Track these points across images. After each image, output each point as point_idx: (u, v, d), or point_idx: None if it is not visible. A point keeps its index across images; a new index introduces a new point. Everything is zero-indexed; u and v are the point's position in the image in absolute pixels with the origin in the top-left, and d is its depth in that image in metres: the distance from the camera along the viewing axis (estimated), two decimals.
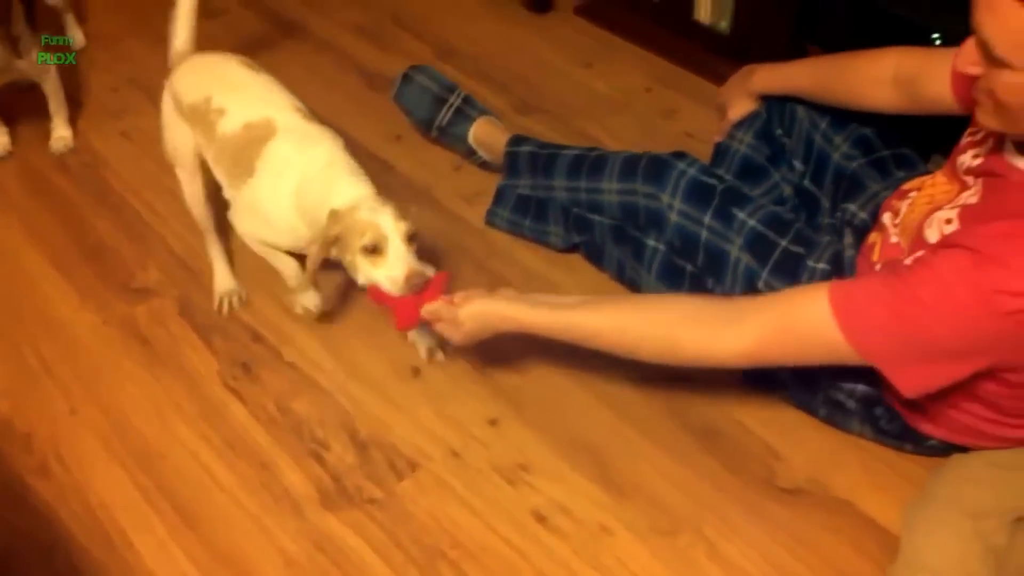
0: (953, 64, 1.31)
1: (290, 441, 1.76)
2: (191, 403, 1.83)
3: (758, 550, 1.57)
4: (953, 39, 1.39)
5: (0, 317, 2.00)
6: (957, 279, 1.26)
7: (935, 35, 2.02)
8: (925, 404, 1.50)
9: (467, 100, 2.27)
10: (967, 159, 1.48)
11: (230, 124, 1.76)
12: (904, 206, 1.58)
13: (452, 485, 1.68)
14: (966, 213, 1.40)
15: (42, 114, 2.40)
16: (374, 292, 1.61)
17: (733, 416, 1.76)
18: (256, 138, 1.73)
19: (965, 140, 1.51)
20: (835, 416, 1.70)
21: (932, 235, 1.42)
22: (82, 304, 2.02)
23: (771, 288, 1.66)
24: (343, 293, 1.98)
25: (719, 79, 2.14)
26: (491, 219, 2.15)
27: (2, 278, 2.09)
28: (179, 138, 1.89)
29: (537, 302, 1.57)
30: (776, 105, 1.93)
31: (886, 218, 1.62)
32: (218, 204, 1.93)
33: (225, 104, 1.78)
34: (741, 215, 1.71)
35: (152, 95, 2.51)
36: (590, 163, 1.92)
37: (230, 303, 1.99)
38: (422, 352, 1.88)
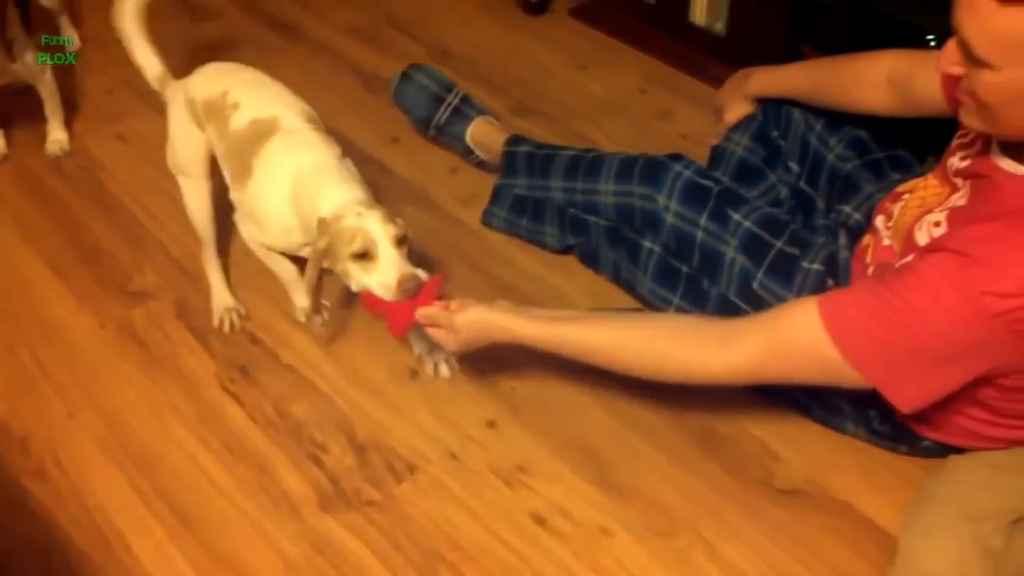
0: (936, 65, 1.32)
1: (288, 444, 1.76)
2: (189, 406, 1.82)
3: (756, 551, 1.58)
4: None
5: None
6: (944, 283, 1.26)
7: (930, 37, 2.03)
8: None
9: (465, 99, 2.27)
10: (956, 161, 1.49)
11: (241, 119, 1.75)
12: (896, 208, 1.58)
13: (450, 487, 1.68)
14: (954, 216, 1.40)
15: (38, 117, 2.40)
16: (367, 298, 1.59)
17: (731, 417, 1.76)
18: (258, 134, 1.72)
19: (955, 142, 1.52)
20: (830, 418, 1.71)
21: (922, 238, 1.43)
22: (79, 307, 2.02)
23: (766, 288, 1.67)
24: (339, 296, 1.98)
25: (714, 81, 2.15)
26: (487, 219, 2.15)
27: None
28: (190, 144, 1.87)
29: (534, 315, 1.57)
30: (772, 107, 1.94)
31: (879, 221, 1.62)
32: (219, 218, 1.93)
33: (240, 99, 1.77)
34: (736, 216, 1.72)
35: (148, 98, 2.51)
36: (586, 164, 1.92)
37: (231, 320, 1.98)
38: (428, 368, 1.86)
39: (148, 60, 1.96)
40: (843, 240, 1.69)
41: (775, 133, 1.94)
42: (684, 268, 1.79)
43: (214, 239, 1.97)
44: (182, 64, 2.02)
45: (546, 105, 2.50)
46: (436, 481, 1.69)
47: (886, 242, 1.56)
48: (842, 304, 1.35)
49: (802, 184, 1.90)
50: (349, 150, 1.78)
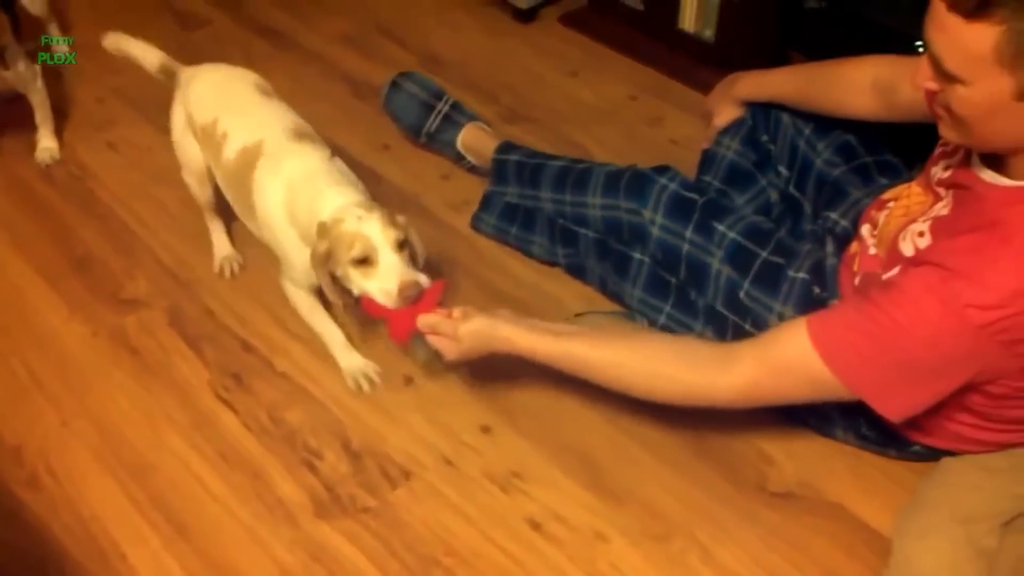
0: (911, 81, 1.33)
1: (283, 451, 1.75)
2: (182, 414, 1.82)
3: (751, 554, 1.58)
4: None
5: None
6: (928, 297, 1.27)
7: (918, 43, 2.04)
8: None
9: (455, 106, 2.28)
10: (939, 171, 1.50)
11: (231, 149, 1.76)
12: (882, 217, 1.59)
13: (446, 493, 1.68)
14: (937, 226, 1.41)
15: (28, 125, 2.39)
16: (368, 303, 1.59)
17: (724, 422, 1.76)
18: (249, 163, 1.73)
19: (937, 151, 1.53)
20: (820, 424, 1.72)
21: (907, 248, 1.44)
22: (71, 315, 2.01)
23: (752, 298, 1.68)
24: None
25: (704, 87, 2.16)
26: (476, 224, 2.15)
27: None
28: (190, 153, 1.89)
29: (536, 327, 1.57)
30: (761, 112, 1.95)
31: (865, 229, 1.63)
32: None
33: (229, 128, 1.78)
34: (721, 228, 1.73)
35: (138, 106, 2.53)
36: (575, 176, 1.93)
37: (231, 268, 2.02)
38: (420, 358, 1.85)
39: (145, 53, 1.98)
40: (830, 247, 1.70)
41: (765, 137, 1.95)
42: (673, 280, 1.80)
43: (212, 205, 2.02)
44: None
45: (537, 112, 2.51)
46: (431, 487, 1.69)
47: (872, 251, 1.57)
48: (830, 322, 1.38)
49: (791, 188, 1.91)
50: (340, 157, 1.78)
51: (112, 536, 1.63)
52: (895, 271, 1.42)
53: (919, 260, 1.36)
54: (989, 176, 1.35)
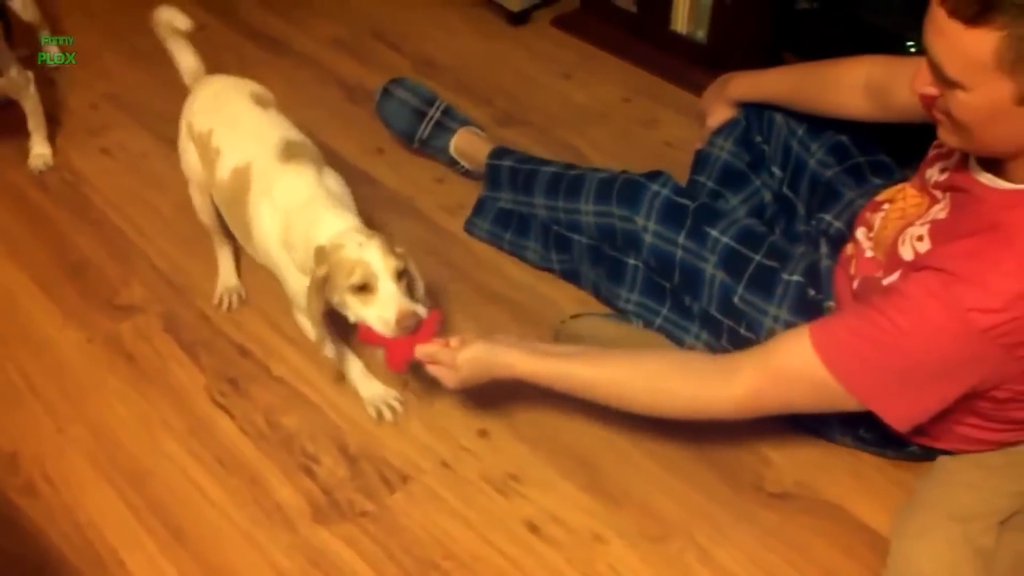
0: (910, 86, 1.33)
1: (280, 456, 1.75)
2: (179, 419, 1.82)
3: (748, 555, 1.59)
4: None
5: None
6: (931, 302, 1.27)
7: (910, 43, 2.06)
8: None
9: (447, 112, 2.28)
10: (935, 173, 1.50)
11: (224, 169, 1.75)
12: (877, 220, 1.59)
13: (444, 497, 1.68)
14: (935, 229, 1.41)
15: (21, 132, 2.39)
16: (365, 332, 1.58)
17: (721, 423, 1.77)
18: (242, 187, 1.71)
19: (932, 152, 1.53)
20: (818, 425, 1.72)
21: (906, 252, 1.44)
22: (66, 322, 2.01)
23: (747, 303, 1.68)
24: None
25: (697, 89, 2.16)
26: (470, 228, 2.16)
27: None
28: (192, 162, 1.88)
29: (535, 350, 1.57)
30: (755, 112, 1.95)
31: (860, 232, 1.63)
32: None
33: (221, 144, 1.77)
34: (714, 233, 1.73)
35: (131, 111, 2.53)
36: (567, 183, 1.92)
37: (230, 301, 2.00)
38: (371, 412, 1.81)
39: (184, 56, 1.97)
40: (824, 249, 1.70)
41: (758, 138, 1.96)
42: (667, 285, 1.80)
43: (219, 229, 1.99)
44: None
45: (531, 115, 2.51)
46: (429, 491, 1.69)
47: (869, 254, 1.57)
48: (832, 328, 1.37)
49: (784, 189, 1.92)
50: (334, 162, 1.78)
51: (109, 542, 1.63)
52: (895, 276, 1.42)
53: (919, 264, 1.36)
54: (987, 179, 1.35)
